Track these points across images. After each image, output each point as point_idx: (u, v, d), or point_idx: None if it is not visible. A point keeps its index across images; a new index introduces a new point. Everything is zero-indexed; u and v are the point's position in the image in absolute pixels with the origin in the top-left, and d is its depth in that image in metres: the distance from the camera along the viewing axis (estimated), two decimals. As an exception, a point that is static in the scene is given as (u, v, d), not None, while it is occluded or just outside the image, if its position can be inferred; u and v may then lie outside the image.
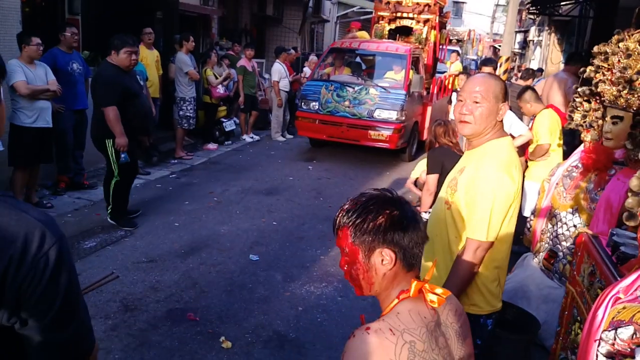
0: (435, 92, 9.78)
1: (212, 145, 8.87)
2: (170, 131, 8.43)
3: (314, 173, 7.91)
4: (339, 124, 8.43)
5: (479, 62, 22.73)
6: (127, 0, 8.68)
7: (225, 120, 9.32)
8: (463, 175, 2.06)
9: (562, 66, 13.78)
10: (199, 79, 8.39)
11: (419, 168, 6.19)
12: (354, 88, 8.50)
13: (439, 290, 1.29)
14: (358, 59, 10.01)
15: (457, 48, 16.25)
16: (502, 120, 2.08)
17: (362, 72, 9.41)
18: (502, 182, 1.95)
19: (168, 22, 8.71)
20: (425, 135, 9.39)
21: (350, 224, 1.32)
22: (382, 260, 1.30)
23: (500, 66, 14.50)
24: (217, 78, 8.76)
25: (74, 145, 6.04)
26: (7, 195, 1.08)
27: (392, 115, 8.21)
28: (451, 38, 17.81)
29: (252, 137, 9.93)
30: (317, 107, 8.57)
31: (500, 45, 21.13)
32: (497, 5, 35.30)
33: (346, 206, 1.36)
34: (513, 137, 4.75)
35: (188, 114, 8.01)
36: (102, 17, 8.10)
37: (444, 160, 3.97)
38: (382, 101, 8.29)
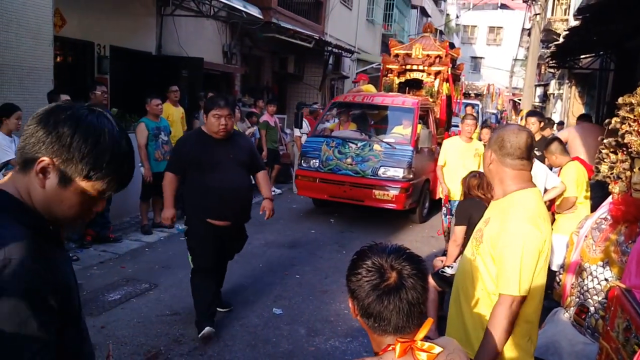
0: None
1: (235, 199, 8.96)
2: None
3: (336, 226, 7.90)
4: (341, 183, 7.79)
5: (499, 115, 22.87)
6: (153, 60, 9.08)
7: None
8: (489, 227, 2.04)
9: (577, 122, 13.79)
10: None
11: (442, 154, 6.62)
12: (356, 144, 7.97)
13: (436, 350, 1.30)
14: (365, 114, 9.55)
15: (477, 102, 16.34)
16: (528, 171, 2.08)
17: (369, 127, 9.04)
18: (529, 234, 1.93)
19: (193, 80, 9.02)
20: (438, 194, 8.82)
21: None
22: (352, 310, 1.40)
23: (521, 120, 14.54)
24: (239, 133, 8.96)
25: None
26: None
27: (399, 173, 7.61)
28: (470, 92, 17.97)
29: (274, 191, 10.01)
30: (317, 164, 8.01)
31: (520, 99, 21.30)
32: (515, 59, 35.79)
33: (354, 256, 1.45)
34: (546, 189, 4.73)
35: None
36: (130, 76, 8.45)
37: (472, 212, 3.95)
38: (387, 158, 7.73)
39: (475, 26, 45.04)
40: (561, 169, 4.86)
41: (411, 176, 7.68)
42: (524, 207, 1.99)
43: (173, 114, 7.68)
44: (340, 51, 15.51)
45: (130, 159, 1.24)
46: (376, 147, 7.84)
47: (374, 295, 1.32)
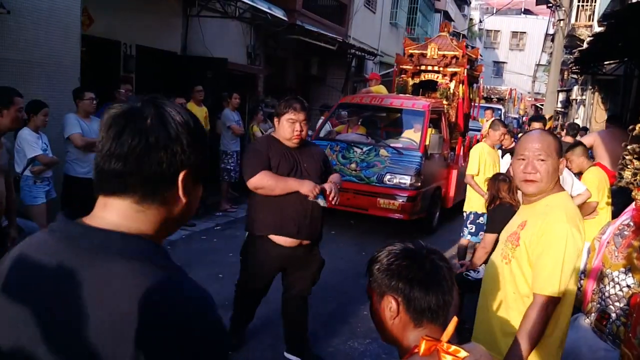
0: (462, 153, 8.70)
1: (255, 199, 9.04)
2: (216, 184, 8.68)
3: (356, 228, 7.91)
4: (344, 190, 7.43)
5: (520, 120, 22.63)
6: (179, 60, 9.21)
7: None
8: (526, 230, 2.03)
9: (605, 125, 13.61)
10: (245, 134, 8.67)
11: (475, 162, 5.92)
12: (362, 149, 7.46)
13: (462, 354, 1.28)
14: (375, 117, 9.07)
15: (499, 107, 16.17)
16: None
17: (380, 131, 8.51)
18: (572, 235, 1.94)
19: (217, 81, 9.13)
20: (450, 203, 8.41)
21: (370, 266, 1.42)
22: (390, 307, 1.35)
23: (545, 125, 14.38)
24: (263, 134, 9.05)
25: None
26: (175, 267, 0.96)
27: (405, 180, 7.09)
28: (492, 96, 17.78)
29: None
30: None
31: (542, 105, 21.06)
32: (538, 65, 35.42)
33: (376, 253, 1.44)
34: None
35: (229, 167, 8.26)
36: (155, 75, 8.58)
37: (505, 221, 3.88)
38: (393, 164, 7.21)
39: (499, 31, 44.68)
40: (582, 174, 4.83)
41: (419, 184, 7.18)
42: (564, 209, 2.00)
43: (196, 113, 7.76)
44: (363, 54, 15.53)
45: None
46: (382, 152, 7.37)
47: (416, 281, 1.32)
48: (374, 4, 18.15)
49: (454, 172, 8.43)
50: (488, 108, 13.48)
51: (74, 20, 6.02)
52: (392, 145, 7.51)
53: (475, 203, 5.88)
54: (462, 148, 8.70)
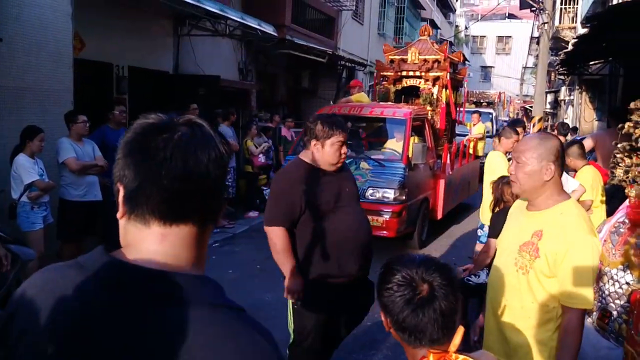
0: (449, 161, 8.29)
1: (253, 213, 9.06)
2: (212, 201, 8.71)
3: None
4: None
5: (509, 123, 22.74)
6: (171, 79, 9.27)
7: (265, 188, 9.56)
8: (546, 242, 2.02)
9: (595, 124, 13.73)
10: (239, 150, 8.72)
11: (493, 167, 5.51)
12: None
13: None
14: (356, 127, 8.35)
15: (491, 110, 16.23)
16: (555, 180, 2.08)
17: (361, 141, 7.96)
18: (595, 246, 1.97)
19: (210, 98, 9.18)
20: (440, 214, 8.00)
21: (378, 282, 1.44)
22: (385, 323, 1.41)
23: (534, 126, 14.47)
24: (257, 148, 9.11)
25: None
26: (238, 308, 0.90)
27: (389, 194, 6.57)
28: (481, 101, 17.88)
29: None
30: None
31: (531, 106, 21.26)
32: (525, 67, 35.78)
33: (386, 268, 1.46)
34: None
35: (227, 183, 8.28)
36: (148, 95, 8.62)
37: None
38: (375, 177, 6.68)
39: (484, 36, 45.13)
40: (576, 172, 4.91)
41: (404, 197, 6.63)
42: (583, 218, 2.02)
43: (191, 131, 7.84)
44: (353, 65, 15.68)
45: None
46: (363, 165, 6.81)
47: (408, 310, 1.32)
48: (361, 16, 18.34)
49: (442, 182, 7.92)
50: (475, 112, 13.20)
51: (65, 45, 6.05)
52: (373, 157, 7.02)
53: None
54: (448, 155, 8.35)
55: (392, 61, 9.02)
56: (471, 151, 9.92)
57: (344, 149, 3.00)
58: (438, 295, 1.33)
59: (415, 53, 8.82)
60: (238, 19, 9.04)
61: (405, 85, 9.03)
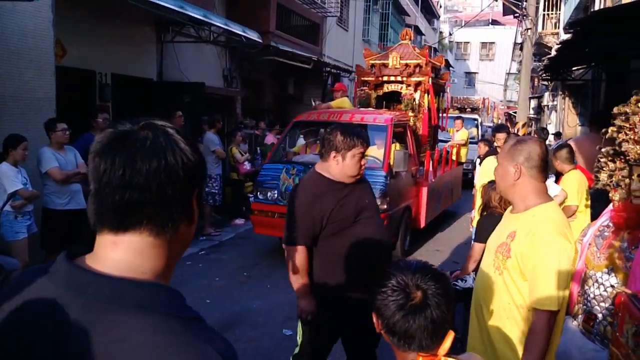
0: (431, 168, 8.13)
1: (239, 221, 9.02)
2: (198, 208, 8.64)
3: None
4: None
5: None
6: (155, 86, 9.22)
7: (251, 195, 9.51)
8: (517, 242, 2.05)
9: (579, 129, 13.90)
10: (225, 157, 8.68)
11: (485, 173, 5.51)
12: None
13: None
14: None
15: (476, 116, 16.32)
16: (527, 183, 2.10)
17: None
18: (563, 247, 1.96)
19: (195, 105, 9.14)
20: (423, 223, 7.82)
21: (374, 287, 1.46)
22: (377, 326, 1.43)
23: (518, 131, 14.61)
24: (242, 155, 9.08)
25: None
26: (193, 318, 0.88)
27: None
28: (465, 107, 17.99)
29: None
30: (275, 196, 6.68)
31: (515, 112, 21.49)
32: (509, 73, 36.19)
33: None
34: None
35: (214, 191, 8.24)
36: (132, 102, 8.56)
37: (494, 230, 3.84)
38: None
39: (468, 42, 45.60)
40: (562, 176, 4.95)
41: (385, 206, 6.35)
42: (553, 221, 2.02)
43: (176, 138, 7.78)
44: (338, 71, 15.73)
45: None
46: None
47: (399, 315, 1.33)
48: (345, 22, 18.43)
49: (424, 190, 7.70)
50: (458, 118, 12.94)
51: (47, 52, 5.99)
52: None
53: None
54: (431, 162, 8.16)
55: (372, 66, 8.83)
56: (454, 157, 9.78)
57: (364, 161, 2.93)
58: (431, 304, 1.33)
59: (397, 58, 8.66)
60: (222, 25, 9.02)
61: (387, 90, 8.82)
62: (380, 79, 8.73)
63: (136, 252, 0.86)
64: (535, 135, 10.07)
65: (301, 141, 8.31)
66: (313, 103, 8.79)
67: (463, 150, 11.77)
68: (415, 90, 8.52)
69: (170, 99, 8.81)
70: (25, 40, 5.70)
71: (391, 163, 6.68)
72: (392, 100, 8.96)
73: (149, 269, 0.86)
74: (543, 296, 1.94)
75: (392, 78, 8.67)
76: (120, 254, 0.86)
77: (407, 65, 8.57)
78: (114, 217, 0.85)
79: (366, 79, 8.85)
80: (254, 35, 9.90)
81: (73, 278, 0.84)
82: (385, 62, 8.72)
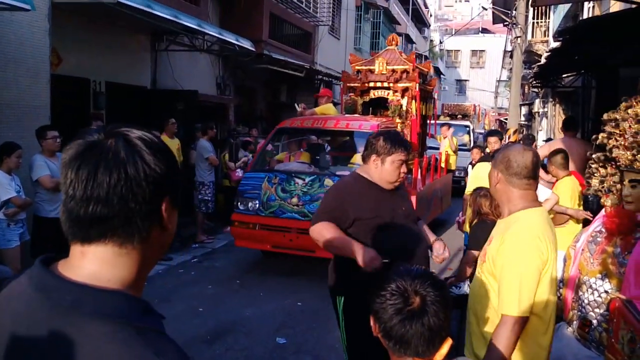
0: (419, 176, 7.99)
1: (232, 228, 9.00)
2: (191, 216, 8.62)
3: (303, 273, 7.39)
4: (286, 229, 6.15)
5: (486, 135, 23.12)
6: (149, 94, 9.21)
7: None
8: (491, 246, 2.09)
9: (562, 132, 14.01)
10: (218, 164, 8.68)
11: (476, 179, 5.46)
12: (304, 179, 6.35)
13: None
14: (320, 141, 8.08)
15: (467, 123, 16.39)
16: (534, 191, 2.12)
17: (328, 157, 7.49)
18: (527, 254, 1.94)
19: (188, 113, 9.14)
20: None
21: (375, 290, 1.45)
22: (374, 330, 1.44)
23: (509, 138, 14.70)
24: (235, 163, 9.09)
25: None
26: (151, 328, 0.88)
27: None
28: (456, 113, 18.03)
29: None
30: (257, 206, 6.38)
31: (506, 119, 21.64)
32: (499, 81, 36.45)
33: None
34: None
35: (206, 198, 8.23)
36: (126, 110, 8.56)
37: (487, 237, 3.83)
38: None
39: (459, 50, 45.96)
40: (556, 181, 4.98)
41: None
42: (523, 227, 2.01)
43: (170, 145, 7.72)
44: (330, 79, 15.78)
45: None
46: (328, 182, 6.22)
47: (396, 319, 1.34)
48: (337, 31, 18.53)
49: (413, 198, 7.25)
50: (444, 124, 12.63)
51: (43, 61, 6.01)
52: (338, 173, 6.38)
53: None
54: (419, 170, 8.07)
55: (359, 72, 8.64)
56: (443, 165, 9.61)
57: (404, 168, 2.91)
58: (429, 311, 1.34)
59: (383, 63, 8.43)
60: (216, 34, 9.05)
61: (373, 96, 8.59)
62: (366, 85, 8.51)
63: (102, 261, 0.86)
64: (522, 142, 10.10)
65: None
66: (297, 107, 8.59)
67: (452, 158, 11.66)
68: (403, 97, 8.32)
69: (164, 106, 8.80)
70: (22, 49, 5.71)
71: None
72: (379, 106, 8.76)
73: (115, 277, 0.87)
74: (504, 300, 1.92)
75: (379, 84, 8.46)
76: (87, 263, 0.87)
77: (393, 71, 8.36)
78: (79, 229, 0.86)
79: (352, 85, 8.64)
80: (247, 44, 9.93)
81: (42, 282, 0.86)
82: (372, 67, 8.51)
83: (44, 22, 5.96)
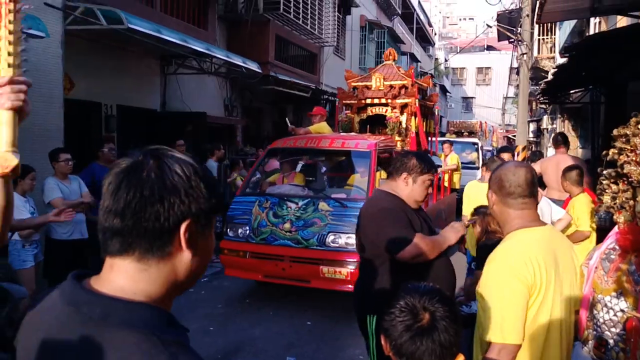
0: None
1: (241, 249, 9.00)
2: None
3: (296, 305, 6.97)
4: (278, 258, 5.69)
5: (494, 152, 23.10)
6: (159, 117, 9.34)
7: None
8: (484, 268, 2.04)
9: (579, 151, 13.95)
10: (227, 185, 8.73)
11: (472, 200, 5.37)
12: (297, 203, 5.92)
13: None
14: (316, 162, 7.56)
15: (475, 140, 16.26)
16: (533, 209, 2.06)
17: (323, 178, 7.09)
18: (505, 278, 1.86)
19: (197, 134, 9.24)
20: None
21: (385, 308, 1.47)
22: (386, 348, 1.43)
23: (518, 155, 14.66)
24: (242, 180, 9.13)
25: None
26: (175, 341, 0.90)
27: (353, 240, 5.50)
28: (462, 130, 17.90)
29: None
30: (247, 232, 5.92)
31: (514, 136, 21.61)
32: (506, 97, 36.48)
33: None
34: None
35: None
36: (137, 133, 8.67)
37: None
38: (336, 220, 5.64)
39: (464, 68, 46.21)
40: (570, 198, 4.94)
41: None
42: (505, 250, 1.94)
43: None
44: (335, 98, 15.89)
45: None
46: (322, 205, 5.83)
47: (406, 336, 1.34)
48: (342, 51, 18.73)
49: None
50: (446, 141, 12.22)
51: (56, 86, 6.13)
52: (333, 196, 6.06)
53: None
54: None
55: (355, 88, 8.31)
56: (446, 184, 9.04)
57: (431, 189, 3.00)
58: (439, 327, 1.34)
59: (380, 79, 8.07)
60: (223, 57, 9.19)
61: (371, 114, 8.21)
62: (363, 101, 8.15)
63: (126, 275, 0.90)
64: (529, 159, 9.99)
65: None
66: (288, 124, 8.27)
67: (456, 176, 11.15)
68: (402, 113, 7.95)
69: (173, 128, 8.92)
70: (37, 75, 5.83)
71: None
72: (376, 124, 8.38)
73: (140, 290, 0.90)
74: (486, 327, 1.85)
75: (376, 100, 8.09)
76: (114, 276, 0.91)
77: (391, 86, 8.01)
78: (103, 241, 0.92)
79: (348, 102, 8.31)
80: (253, 66, 10.07)
81: (74, 296, 0.90)
82: (369, 84, 8.17)
83: (57, 49, 6.09)
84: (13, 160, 1.17)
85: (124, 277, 0.91)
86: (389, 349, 1.41)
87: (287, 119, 8.54)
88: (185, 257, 0.93)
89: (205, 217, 0.94)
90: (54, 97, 6.10)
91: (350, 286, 5.21)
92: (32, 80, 5.05)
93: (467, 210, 5.69)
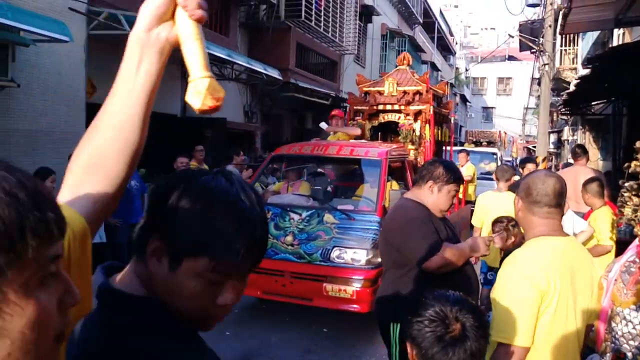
0: None
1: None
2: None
3: (297, 323, 7.26)
4: (278, 273, 5.29)
5: (514, 162, 22.89)
6: (179, 122, 9.46)
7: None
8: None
9: (600, 163, 13.75)
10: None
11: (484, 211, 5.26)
12: (300, 214, 5.55)
13: None
14: (323, 170, 6.96)
15: (494, 150, 16.08)
16: (557, 220, 2.07)
17: (330, 187, 6.53)
18: (516, 280, 1.89)
19: (216, 139, 9.33)
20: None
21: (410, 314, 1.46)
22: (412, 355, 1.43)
23: (538, 166, 14.49)
24: (263, 189, 9.15)
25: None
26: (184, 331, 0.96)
27: (360, 256, 5.12)
28: (481, 140, 17.74)
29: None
30: None
31: (534, 147, 21.40)
32: (527, 108, 36.16)
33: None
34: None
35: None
36: (157, 138, 8.78)
37: None
38: (342, 234, 5.28)
39: (485, 78, 45.94)
40: (591, 211, 4.88)
41: (379, 260, 4.73)
42: (521, 254, 1.97)
43: (197, 172, 7.92)
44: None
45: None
46: (328, 217, 5.46)
47: (438, 347, 1.34)
48: (363, 59, 18.78)
49: None
50: (462, 151, 11.62)
51: (79, 90, 6.25)
52: (340, 207, 5.65)
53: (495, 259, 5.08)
54: None
55: (366, 94, 7.84)
56: (461, 195, 8.38)
57: (456, 199, 2.90)
58: (470, 336, 1.34)
59: (393, 84, 7.60)
60: (244, 64, 9.28)
61: (383, 120, 7.79)
62: (375, 108, 7.69)
63: (134, 275, 0.97)
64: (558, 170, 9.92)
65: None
66: (323, 128, 7.98)
67: (471, 187, 10.66)
68: (415, 120, 7.49)
69: (193, 133, 9.01)
70: (60, 79, 5.97)
71: (386, 205, 5.41)
72: (389, 131, 8.00)
73: (151, 291, 0.94)
74: (494, 327, 1.86)
75: (389, 107, 7.63)
76: (127, 274, 0.98)
77: (405, 92, 7.55)
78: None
79: (359, 108, 7.85)
80: (274, 73, 10.14)
81: (98, 287, 0.96)
82: (381, 89, 7.68)
83: (80, 53, 6.22)
84: (221, 91, 0.99)
85: (135, 277, 0.97)
86: (414, 356, 1.41)
87: (321, 124, 8.19)
88: (176, 283, 0.92)
89: (170, 241, 0.92)
90: (76, 101, 6.23)
91: (355, 306, 5.09)
92: (56, 84, 5.21)
93: (477, 221, 5.57)
